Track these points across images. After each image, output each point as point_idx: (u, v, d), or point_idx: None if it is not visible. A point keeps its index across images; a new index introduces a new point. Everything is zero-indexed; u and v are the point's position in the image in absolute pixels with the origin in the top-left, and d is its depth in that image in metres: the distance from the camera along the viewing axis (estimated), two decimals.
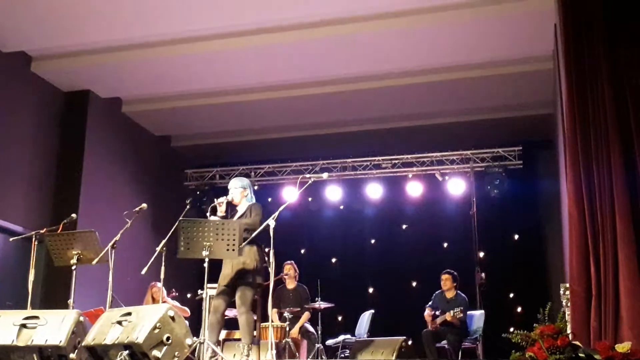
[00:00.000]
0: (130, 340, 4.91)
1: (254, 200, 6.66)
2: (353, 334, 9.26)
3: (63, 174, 9.42)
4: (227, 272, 6.32)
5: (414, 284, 11.30)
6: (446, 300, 8.65)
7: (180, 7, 7.81)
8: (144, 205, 6.74)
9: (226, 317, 6.63)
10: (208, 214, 6.49)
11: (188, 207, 6.77)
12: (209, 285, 6.38)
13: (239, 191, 6.59)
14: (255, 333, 6.43)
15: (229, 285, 6.32)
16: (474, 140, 10.95)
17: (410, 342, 7.03)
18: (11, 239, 7.41)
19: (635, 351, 4.36)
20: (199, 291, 7.07)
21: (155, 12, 7.90)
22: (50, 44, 8.67)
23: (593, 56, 5.58)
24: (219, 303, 6.30)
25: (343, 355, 8.73)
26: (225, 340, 7.23)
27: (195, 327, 6.87)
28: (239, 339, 7.01)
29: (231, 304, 6.46)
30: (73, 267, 6.42)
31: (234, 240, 5.93)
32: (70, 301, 6.40)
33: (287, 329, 8.16)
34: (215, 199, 6.63)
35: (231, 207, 6.58)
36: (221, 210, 6.46)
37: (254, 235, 6.27)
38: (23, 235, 7.33)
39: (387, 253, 11.51)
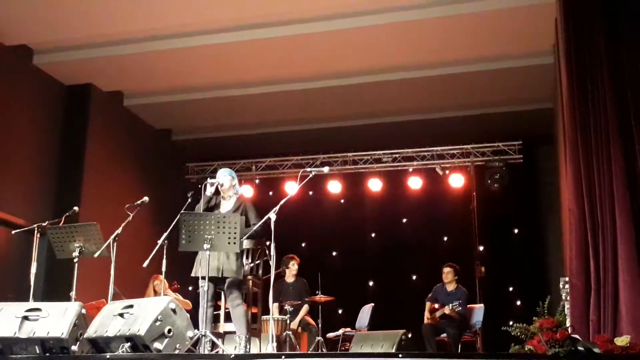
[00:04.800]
0: (131, 332, 4.93)
1: (239, 192, 6.73)
2: (353, 327, 9.28)
3: (65, 166, 9.44)
4: (213, 265, 6.30)
5: (414, 277, 11.33)
6: (446, 293, 8.69)
7: (181, 1, 7.81)
8: (146, 198, 6.77)
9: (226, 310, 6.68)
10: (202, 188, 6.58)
11: (189, 200, 6.77)
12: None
13: (229, 179, 6.66)
14: (251, 324, 6.46)
15: (214, 278, 6.32)
16: (474, 134, 10.94)
17: (410, 335, 7.03)
18: (13, 232, 7.42)
19: (634, 344, 4.40)
20: (200, 283, 7.08)
21: (157, 5, 7.90)
22: (52, 38, 8.67)
23: (593, 51, 5.59)
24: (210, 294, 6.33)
25: (343, 348, 8.75)
26: (226, 333, 7.25)
27: (196, 319, 6.89)
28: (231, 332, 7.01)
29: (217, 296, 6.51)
30: (75, 260, 6.44)
31: (235, 233, 5.96)
32: (72, 293, 6.39)
33: (288, 321, 8.20)
34: (209, 178, 6.72)
35: (216, 194, 6.65)
36: (211, 190, 6.53)
37: (256, 227, 6.31)
38: (25, 228, 7.33)
39: (387, 247, 11.53)
